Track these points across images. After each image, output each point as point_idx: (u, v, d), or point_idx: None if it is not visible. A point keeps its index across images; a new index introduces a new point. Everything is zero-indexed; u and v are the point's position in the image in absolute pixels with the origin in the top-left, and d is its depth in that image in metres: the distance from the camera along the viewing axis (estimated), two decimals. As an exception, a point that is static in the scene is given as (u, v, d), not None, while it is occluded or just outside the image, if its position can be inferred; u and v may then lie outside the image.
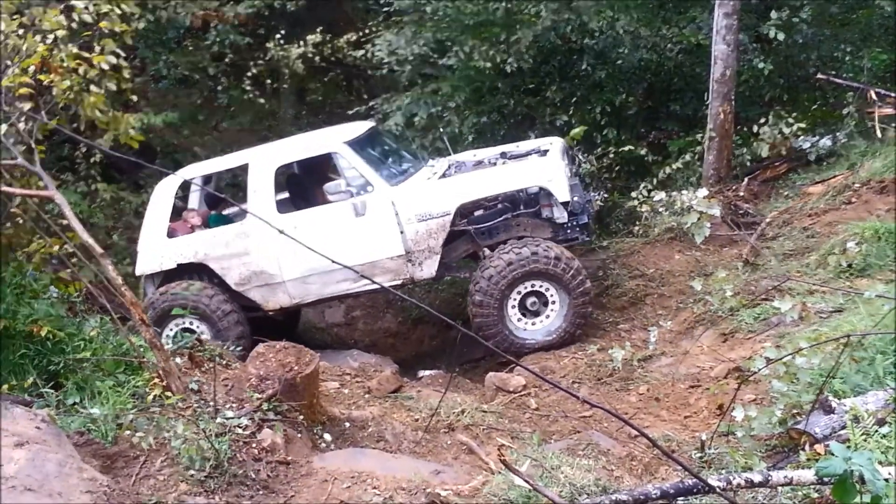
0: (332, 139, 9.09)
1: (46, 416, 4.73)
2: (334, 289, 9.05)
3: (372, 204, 8.69)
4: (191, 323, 8.87)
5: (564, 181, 8.64)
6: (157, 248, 9.23)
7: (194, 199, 10.15)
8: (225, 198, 9.71)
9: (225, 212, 10.24)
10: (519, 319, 8.62)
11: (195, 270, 9.17)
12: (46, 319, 6.04)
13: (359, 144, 9.07)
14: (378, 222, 8.67)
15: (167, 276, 9.19)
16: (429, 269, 8.74)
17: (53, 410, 5.26)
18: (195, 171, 9.58)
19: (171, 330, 8.76)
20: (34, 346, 5.94)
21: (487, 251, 8.81)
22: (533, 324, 8.62)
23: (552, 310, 8.52)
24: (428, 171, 9.31)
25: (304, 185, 9.81)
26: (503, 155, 9.63)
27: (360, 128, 9.57)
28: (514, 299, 8.54)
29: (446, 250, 8.85)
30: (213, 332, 8.81)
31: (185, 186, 9.74)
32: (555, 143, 9.62)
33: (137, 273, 9.32)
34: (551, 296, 8.48)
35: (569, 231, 8.83)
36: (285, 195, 9.65)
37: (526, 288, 8.49)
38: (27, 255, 6.62)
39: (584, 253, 10.61)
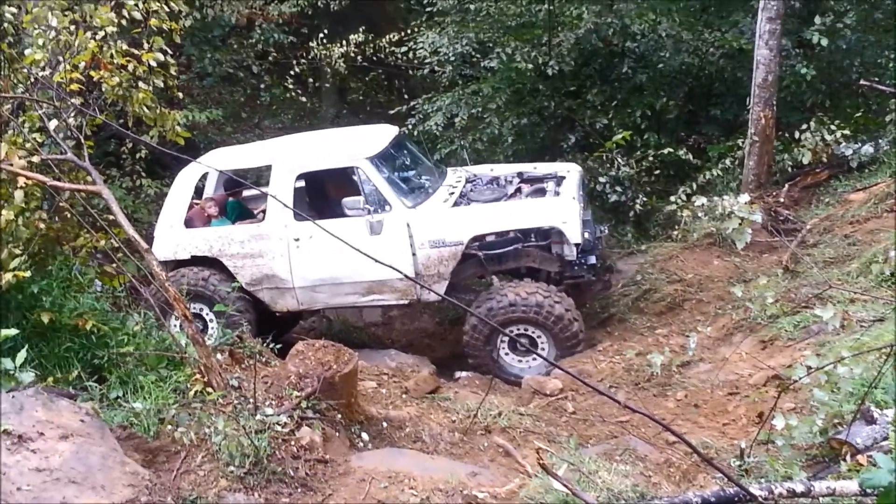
0: (355, 153, 9.05)
1: (90, 410, 4.80)
2: (342, 300, 9.20)
3: (388, 224, 8.75)
4: (200, 310, 9.04)
5: (578, 223, 8.70)
6: (173, 237, 9.33)
7: (211, 185, 10.21)
8: (246, 183, 9.75)
9: (245, 194, 10.39)
10: (511, 357, 8.73)
11: (209, 263, 9.25)
12: (91, 313, 6.14)
13: (381, 159, 9.09)
14: (392, 243, 8.72)
15: (179, 264, 9.29)
16: (437, 291, 8.77)
17: (97, 404, 5.33)
18: (219, 161, 9.55)
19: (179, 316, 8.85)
20: (79, 339, 6.03)
21: (495, 278, 8.93)
22: (523, 361, 8.71)
23: (542, 349, 8.58)
24: (445, 192, 9.31)
25: (322, 190, 9.90)
26: (520, 174, 9.75)
27: (384, 139, 9.52)
28: (504, 340, 8.63)
29: (454, 272, 8.89)
30: (219, 317, 8.90)
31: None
32: (571, 173, 9.66)
33: None
34: (538, 337, 8.51)
35: (576, 268, 8.88)
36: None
37: (513, 331, 8.55)
38: (73, 248, 6.72)
39: (623, 257, 10.61)
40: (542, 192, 9.28)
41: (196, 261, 9.26)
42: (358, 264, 8.29)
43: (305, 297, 9.17)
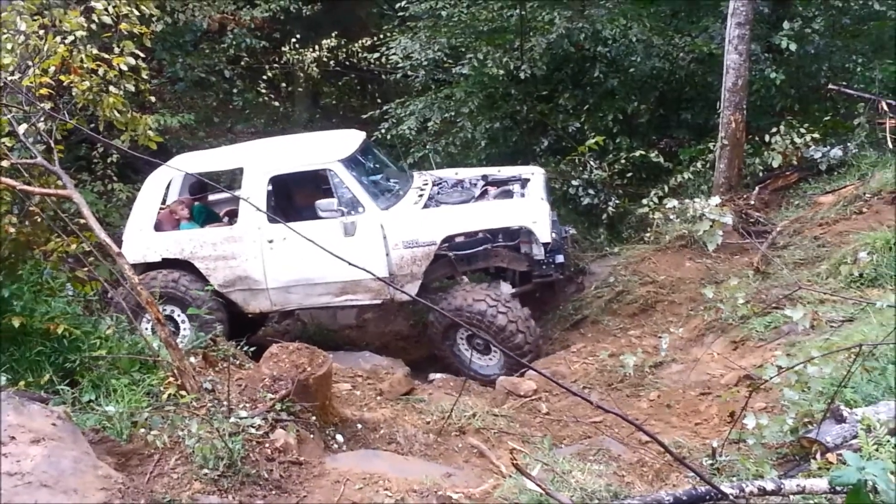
0: (328, 155, 9.11)
1: (62, 414, 4.77)
2: (315, 301, 9.25)
3: (362, 225, 8.82)
4: (172, 312, 9.02)
5: (547, 223, 8.88)
6: (143, 240, 9.29)
7: (175, 189, 10.14)
8: (217, 186, 9.73)
9: (211, 198, 10.37)
10: (471, 353, 8.87)
11: (179, 266, 9.22)
12: (63, 317, 6.11)
13: (353, 162, 9.17)
14: (366, 244, 8.80)
15: (148, 266, 9.24)
16: (409, 291, 8.80)
17: (69, 408, 5.31)
18: (188, 164, 9.51)
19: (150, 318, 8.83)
20: (50, 343, 6.00)
21: (465, 277, 9.07)
22: (482, 359, 8.85)
23: (493, 353, 8.74)
24: (414, 194, 9.42)
25: (292, 193, 9.94)
26: (484, 177, 9.92)
27: (353, 142, 9.59)
28: (462, 337, 8.82)
29: (426, 272, 8.98)
30: (190, 319, 8.95)
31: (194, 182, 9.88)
32: (536, 176, 9.85)
33: None
34: (489, 342, 8.61)
35: (544, 267, 9.00)
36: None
37: (465, 333, 8.73)
38: (44, 253, 6.67)
39: (596, 259, 10.66)
40: (508, 194, 9.42)
41: (166, 263, 9.22)
42: (331, 265, 8.26)
43: (279, 298, 9.19)
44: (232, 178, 11.18)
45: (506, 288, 9.11)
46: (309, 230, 8.18)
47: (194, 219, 9.71)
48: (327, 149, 9.39)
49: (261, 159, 9.32)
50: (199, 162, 9.84)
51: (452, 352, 8.89)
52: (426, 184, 9.74)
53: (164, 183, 9.54)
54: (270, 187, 9.11)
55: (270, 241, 8.91)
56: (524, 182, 9.67)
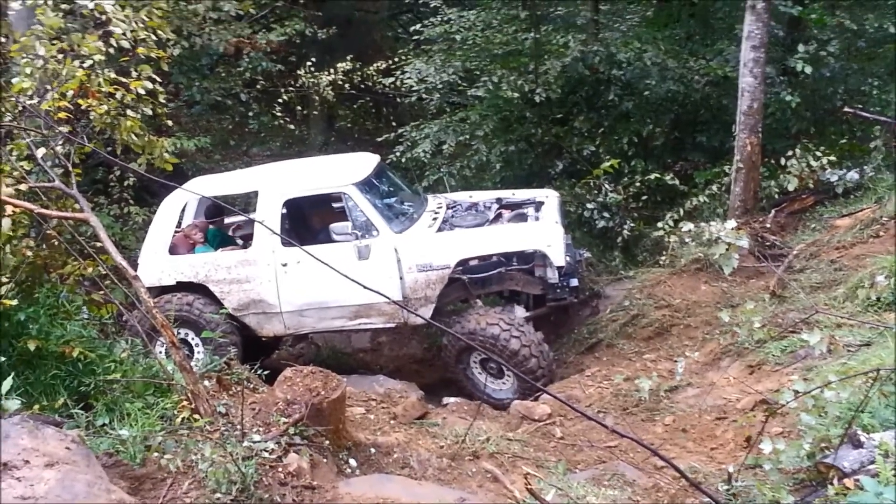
0: (342, 179, 9.13)
1: (76, 437, 4.76)
2: (329, 324, 9.25)
3: (376, 249, 8.82)
4: (186, 335, 9.01)
5: (562, 246, 8.85)
6: (158, 263, 9.31)
7: (190, 213, 10.16)
8: (232, 209, 9.73)
9: (226, 220, 10.39)
10: (483, 376, 8.86)
11: (194, 289, 9.24)
12: (78, 340, 6.10)
13: (367, 185, 9.19)
14: (380, 267, 8.79)
15: (163, 290, 9.26)
16: (424, 315, 8.80)
17: (83, 431, 5.29)
18: (203, 187, 9.54)
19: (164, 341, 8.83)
20: (65, 367, 5.99)
21: (479, 301, 9.07)
22: (496, 382, 8.83)
23: (507, 377, 8.72)
24: (429, 217, 9.43)
25: (308, 216, 9.97)
26: (498, 200, 9.94)
27: (367, 165, 9.60)
28: (475, 360, 8.81)
29: (439, 295, 8.97)
30: (204, 343, 8.94)
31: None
32: (550, 199, 9.85)
33: None
34: (503, 366, 8.56)
35: (558, 291, 8.98)
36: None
37: (479, 356, 8.71)
38: (61, 276, 6.70)
39: (611, 282, 10.63)
40: (522, 218, 9.41)
41: (181, 286, 9.23)
42: (345, 288, 8.34)
43: (293, 322, 9.20)
44: (247, 202, 11.21)
45: (519, 311, 9.11)
46: (323, 253, 8.22)
47: (209, 242, 9.74)
48: (341, 172, 9.40)
49: (275, 182, 9.33)
50: (214, 185, 9.85)
51: (466, 375, 8.88)
52: (440, 207, 9.76)
53: (179, 207, 9.57)
54: (285, 210, 9.14)
55: (284, 265, 8.92)
56: (538, 205, 9.67)
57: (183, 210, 9.83)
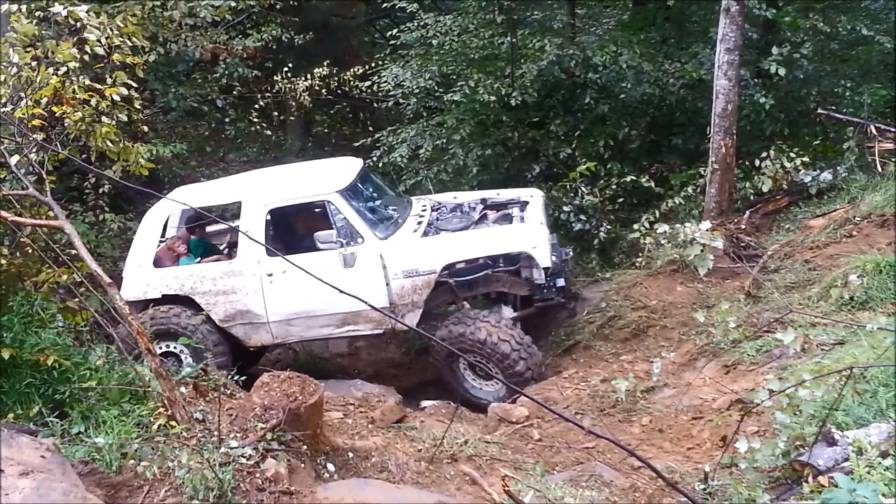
0: (326, 187, 9.09)
1: (52, 446, 4.74)
2: (316, 332, 9.23)
3: (361, 256, 8.81)
4: (175, 347, 9.00)
5: (547, 247, 8.88)
6: (143, 276, 9.27)
7: (174, 222, 10.16)
8: (214, 218, 9.66)
9: (208, 229, 10.36)
10: (473, 378, 8.91)
11: (178, 301, 9.21)
12: (53, 349, 6.06)
13: (351, 192, 9.17)
14: (365, 274, 8.80)
15: (149, 303, 9.21)
16: (411, 321, 8.83)
17: (58, 439, 5.27)
18: (185, 197, 9.47)
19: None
20: (40, 375, 5.95)
21: (466, 304, 9.08)
22: (487, 385, 8.89)
23: (497, 378, 8.67)
24: (413, 222, 9.42)
25: (293, 225, 9.97)
26: (483, 201, 9.94)
27: (351, 171, 9.58)
28: (464, 363, 8.80)
29: (427, 299, 8.98)
30: (193, 354, 8.92)
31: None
32: (535, 199, 9.86)
33: None
34: (492, 367, 8.55)
35: (545, 291, 9.01)
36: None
37: (468, 357, 8.68)
38: (35, 284, 6.66)
39: (588, 284, 10.67)
40: (507, 218, 9.43)
41: (167, 299, 9.19)
42: (332, 297, 8.28)
43: (280, 331, 9.18)
44: (230, 210, 11.15)
45: (507, 312, 9.12)
46: (308, 262, 8.21)
47: (192, 252, 9.69)
48: (325, 179, 9.37)
49: (259, 192, 9.30)
50: (196, 196, 9.74)
51: (455, 377, 8.89)
52: (425, 209, 9.75)
53: (162, 218, 9.55)
54: (269, 219, 9.14)
55: (270, 275, 8.91)
56: (523, 205, 9.68)
57: (166, 222, 9.79)
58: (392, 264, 8.82)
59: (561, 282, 9.06)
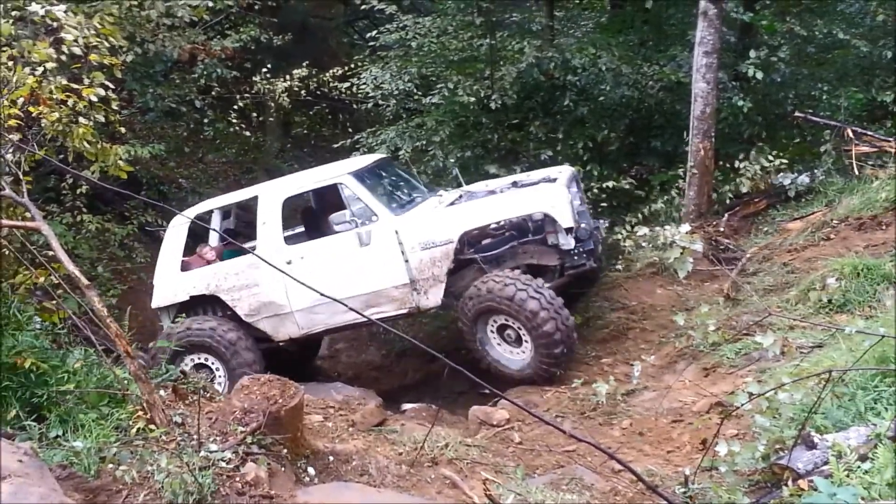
0: (338, 170, 9.24)
1: (29, 450, 4.69)
2: (341, 318, 9.07)
3: (376, 233, 8.76)
4: (206, 359, 9.03)
5: (567, 207, 8.60)
6: (171, 282, 9.39)
7: (214, 236, 10.16)
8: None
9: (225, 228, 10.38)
10: (500, 345, 8.66)
11: (208, 302, 9.33)
12: (30, 351, 5.99)
13: (365, 175, 9.19)
14: (382, 251, 8.75)
15: (181, 307, 9.34)
16: (434, 297, 8.78)
17: (36, 443, 5.21)
18: (209, 207, 9.79)
19: (187, 365, 8.80)
20: (17, 378, 5.88)
21: None
22: (513, 353, 8.61)
23: (525, 345, 8.49)
24: (435, 201, 9.33)
25: (317, 216, 9.94)
26: (514, 184, 9.64)
27: (367, 159, 9.77)
28: (493, 326, 8.59)
29: (454, 279, 8.88)
30: (225, 367, 8.94)
31: (204, 221, 9.84)
32: (564, 171, 9.66)
33: (153, 306, 9.55)
34: (521, 331, 8.42)
35: (575, 257, 8.77)
36: (301, 229, 9.91)
37: (497, 321, 8.52)
38: (12, 285, 6.60)
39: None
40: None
41: (194, 301, 9.29)
42: (351, 278, 8.50)
43: (305, 320, 9.12)
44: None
45: (539, 281, 8.69)
46: (325, 246, 8.53)
47: (223, 259, 9.70)
48: (339, 166, 9.56)
49: (273, 185, 9.55)
50: (218, 201, 10.05)
51: (481, 343, 8.65)
52: (451, 195, 9.58)
53: (185, 226, 9.56)
54: (286, 210, 9.26)
55: (289, 263, 8.86)
56: (552, 181, 9.31)
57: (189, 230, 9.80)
58: (408, 238, 8.73)
59: (590, 244, 8.77)
